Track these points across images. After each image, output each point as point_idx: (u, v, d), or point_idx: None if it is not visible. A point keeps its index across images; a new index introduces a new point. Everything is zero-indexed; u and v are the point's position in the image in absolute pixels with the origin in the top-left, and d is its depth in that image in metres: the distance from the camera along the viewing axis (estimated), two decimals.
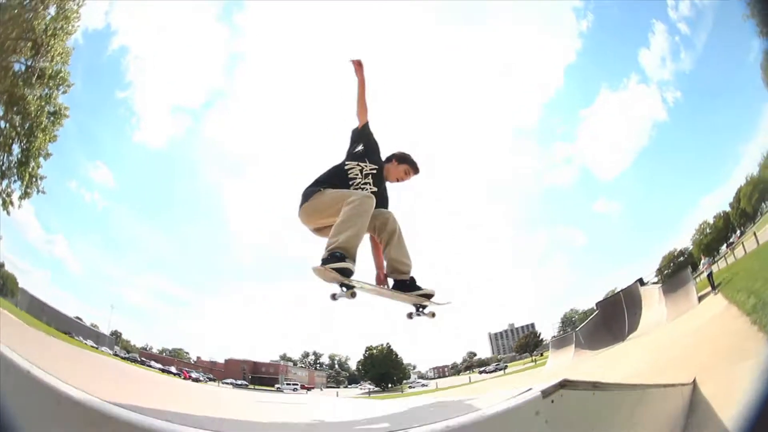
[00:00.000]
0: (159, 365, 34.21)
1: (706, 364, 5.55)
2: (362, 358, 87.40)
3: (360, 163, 3.92)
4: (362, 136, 4.06)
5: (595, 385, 2.24)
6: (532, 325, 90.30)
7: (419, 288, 3.75)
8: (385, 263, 3.88)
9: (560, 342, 26.73)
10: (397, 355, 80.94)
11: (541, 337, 78.63)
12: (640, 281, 24.20)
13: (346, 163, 3.93)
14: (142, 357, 34.34)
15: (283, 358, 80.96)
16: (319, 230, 3.74)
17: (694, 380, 5.02)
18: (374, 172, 3.95)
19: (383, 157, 4.15)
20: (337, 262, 3.14)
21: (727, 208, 48.28)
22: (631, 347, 15.50)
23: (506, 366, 60.92)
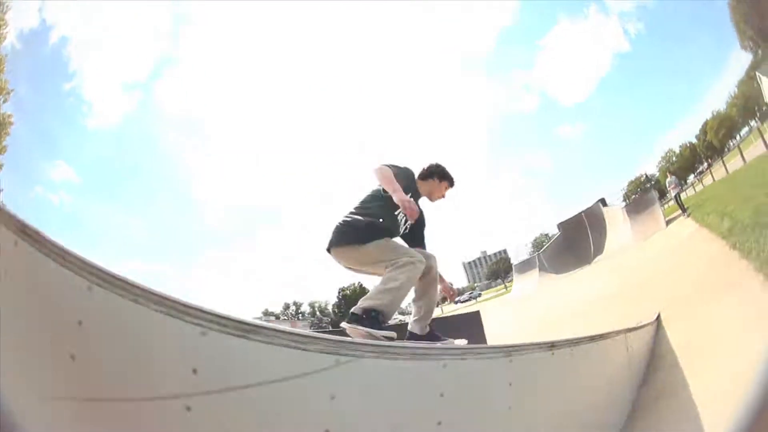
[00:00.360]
0: None
1: (678, 297, 4.73)
2: (336, 300, 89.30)
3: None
4: (398, 176, 3.05)
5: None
6: (504, 251, 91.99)
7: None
8: (415, 307, 3.18)
9: (524, 266, 26.08)
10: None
11: (511, 262, 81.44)
12: (603, 201, 23.65)
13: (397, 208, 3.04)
14: None
15: (266, 313, 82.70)
16: (351, 268, 3.06)
17: (658, 316, 4.31)
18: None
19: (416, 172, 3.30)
20: (380, 330, 2.61)
21: (693, 140, 48.77)
22: (597, 271, 14.88)
23: (480, 294, 62.62)
